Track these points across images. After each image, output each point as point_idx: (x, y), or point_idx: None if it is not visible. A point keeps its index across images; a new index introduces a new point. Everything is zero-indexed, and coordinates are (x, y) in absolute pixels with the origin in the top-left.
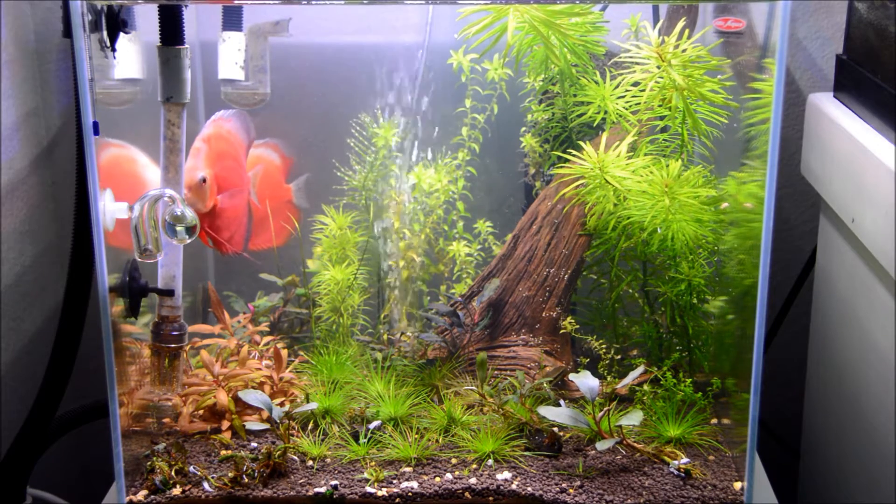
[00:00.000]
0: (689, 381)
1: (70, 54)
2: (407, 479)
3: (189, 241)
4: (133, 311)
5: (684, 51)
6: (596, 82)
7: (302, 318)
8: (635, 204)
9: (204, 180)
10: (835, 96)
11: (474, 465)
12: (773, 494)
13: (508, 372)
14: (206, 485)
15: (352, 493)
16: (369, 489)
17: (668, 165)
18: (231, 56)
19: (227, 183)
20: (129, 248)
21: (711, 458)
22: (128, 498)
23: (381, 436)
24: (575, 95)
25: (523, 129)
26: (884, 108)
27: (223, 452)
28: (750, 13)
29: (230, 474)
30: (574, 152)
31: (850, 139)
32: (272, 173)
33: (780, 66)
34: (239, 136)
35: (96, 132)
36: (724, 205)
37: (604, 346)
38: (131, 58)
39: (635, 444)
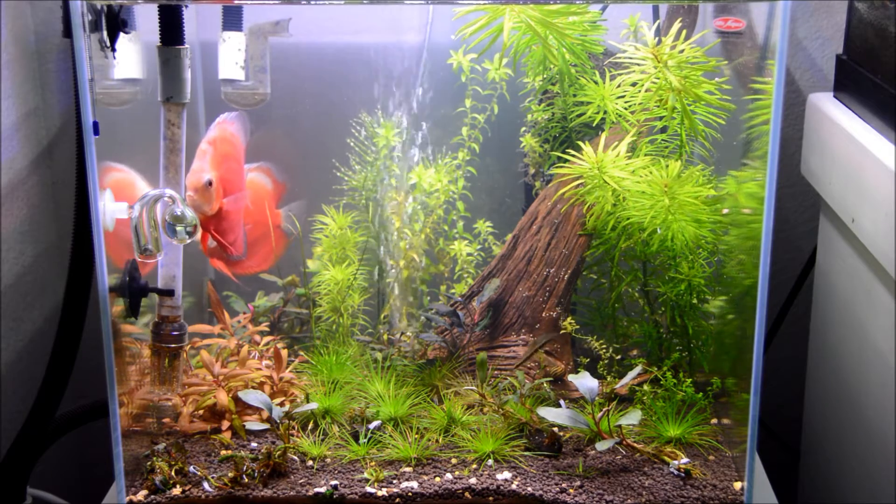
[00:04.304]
0: (689, 381)
1: (70, 54)
2: (407, 479)
3: (189, 241)
4: (133, 311)
5: (681, 52)
6: (595, 82)
7: (302, 318)
8: (635, 204)
9: (210, 183)
10: (835, 96)
11: (474, 465)
12: (773, 494)
13: (508, 372)
14: (206, 485)
15: (352, 493)
16: (369, 489)
17: (667, 166)
18: (231, 56)
19: (231, 185)
20: (121, 259)
21: (711, 458)
22: (128, 498)
23: (381, 436)
24: (574, 95)
25: (523, 129)
26: (884, 108)
27: (223, 452)
28: (750, 13)
29: (230, 474)
30: (573, 152)
31: (850, 139)
32: (263, 198)
33: (780, 67)
34: (240, 138)
35: (96, 132)
36: (725, 210)
37: (604, 346)
38: (131, 58)
39: (635, 445)
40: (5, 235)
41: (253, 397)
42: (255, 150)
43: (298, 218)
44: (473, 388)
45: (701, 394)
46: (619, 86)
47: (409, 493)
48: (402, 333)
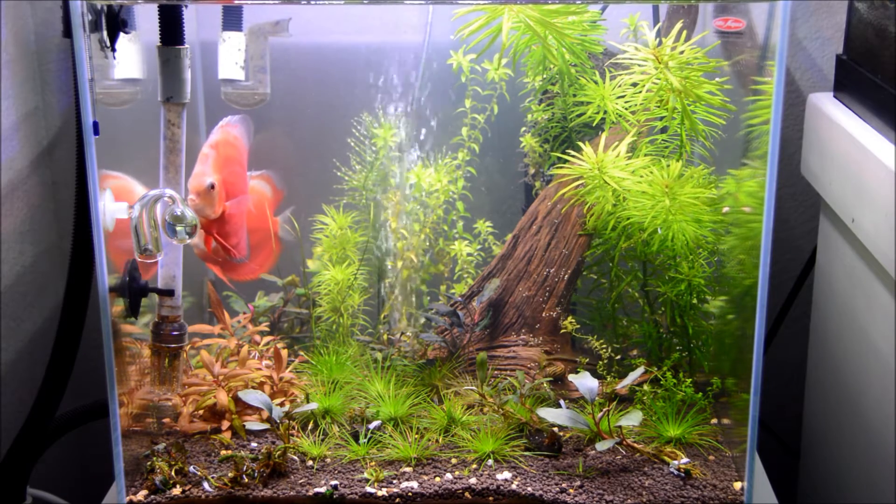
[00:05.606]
0: (689, 381)
1: (70, 54)
2: (407, 479)
3: (189, 241)
4: (133, 311)
5: (682, 53)
6: (595, 82)
7: (302, 318)
8: (635, 204)
9: (212, 186)
10: (835, 96)
11: (474, 465)
12: (773, 494)
13: (508, 372)
14: (206, 485)
15: (352, 493)
16: (369, 489)
17: (668, 166)
18: (231, 56)
19: (234, 188)
20: (121, 259)
21: (711, 458)
22: (128, 498)
23: (381, 436)
24: (574, 95)
25: (523, 128)
26: (884, 108)
27: (223, 452)
28: (750, 13)
29: (230, 474)
30: (573, 152)
31: (850, 139)
32: (263, 206)
33: (780, 67)
34: (243, 141)
35: (96, 132)
36: (725, 209)
37: (604, 346)
38: (131, 58)
39: (635, 445)
40: (5, 235)
41: (253, 397)
42: (254, 150)
43: (290, 223)
44: (473, 388)
45: (701, 394)
46: (619, 86)
47: (409, 493)
48: (402, 333)
